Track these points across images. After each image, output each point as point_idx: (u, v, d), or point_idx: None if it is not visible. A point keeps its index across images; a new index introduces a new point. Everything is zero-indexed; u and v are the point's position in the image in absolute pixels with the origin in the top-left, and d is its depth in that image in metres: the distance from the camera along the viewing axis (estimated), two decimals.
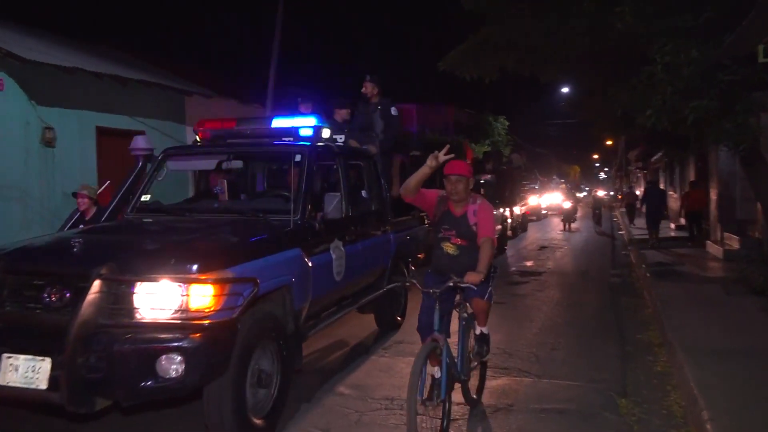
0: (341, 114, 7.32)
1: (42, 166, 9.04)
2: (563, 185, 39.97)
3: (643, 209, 16.67)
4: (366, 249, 5.58)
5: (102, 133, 10.09)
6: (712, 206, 13.76)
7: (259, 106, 13.11)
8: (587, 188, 35.28)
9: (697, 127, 8.06)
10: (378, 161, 6.32)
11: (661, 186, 21.01)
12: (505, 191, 16.09)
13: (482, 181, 14.08)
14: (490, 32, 10.05)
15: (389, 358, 5.60)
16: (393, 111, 7.25)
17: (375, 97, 7.36)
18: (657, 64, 7.76)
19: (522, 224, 19.94)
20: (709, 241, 12.86)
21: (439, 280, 3.86)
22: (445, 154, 3.71)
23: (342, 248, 4.97)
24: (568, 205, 22.04)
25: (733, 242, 11.48)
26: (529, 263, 12.51)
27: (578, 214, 23.41)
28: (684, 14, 7.65)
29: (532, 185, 27.14)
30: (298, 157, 4.86)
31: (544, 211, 27.33)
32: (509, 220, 15.94)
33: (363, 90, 7.45)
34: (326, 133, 5.28)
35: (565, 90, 21.62)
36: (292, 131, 5.28)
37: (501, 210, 14.29)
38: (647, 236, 14.74)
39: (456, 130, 23.58)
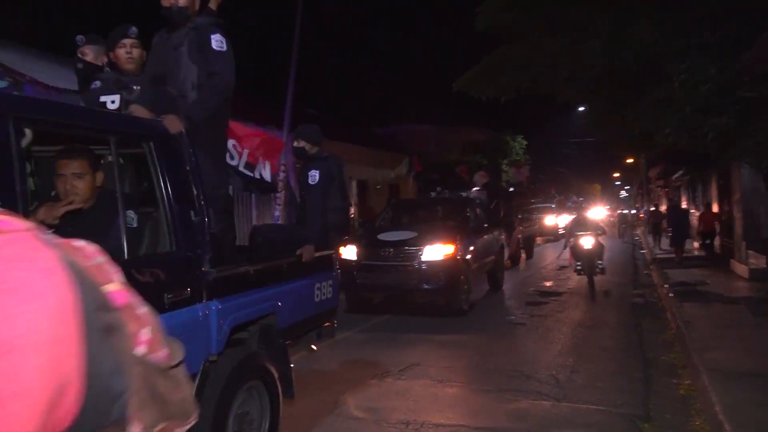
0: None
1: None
2: (580, 204, 39.57)
3: (667, 228, 16.95)
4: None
5: None
6: (737, 225, 13.51)
7: (275, 128, 13.21)
8: (580, 199, 35.02)
9: (717, 144, 7.97)
10: (186, 147, 3.10)
11: (683, 204, 20.80)
12: (499, 211, 13.70)
13: (464, 195, 12.27)
14: (505, 52, 10.09)
15: (405, 381, 5.55)
16: (217, 43, 3.47)
17: (186, 13, 3.52)
18: (674, 81, 7.72)
19: (527, 249, 17.44)
20: (733, 260, 12.60)
21: None
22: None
23: None
24: (588, 243, 10.66)
25: (759, 261, 11.23)
26: (548, 283, 12.36)
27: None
28: (701, 32, 7.62)
29: (548, 204, 26.77)
30: None
31: (561, 231, 26.79)
32: (505, 247, 12.00)
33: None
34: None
35: (582, 108, 21.56)
36: None
37: (494, 233, 11.04)
38: (670, 255, 14.58)
39: (473, 150, 23.60)
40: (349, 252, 8.85)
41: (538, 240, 20.51)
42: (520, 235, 16.11)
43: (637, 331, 7.65)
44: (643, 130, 9.90)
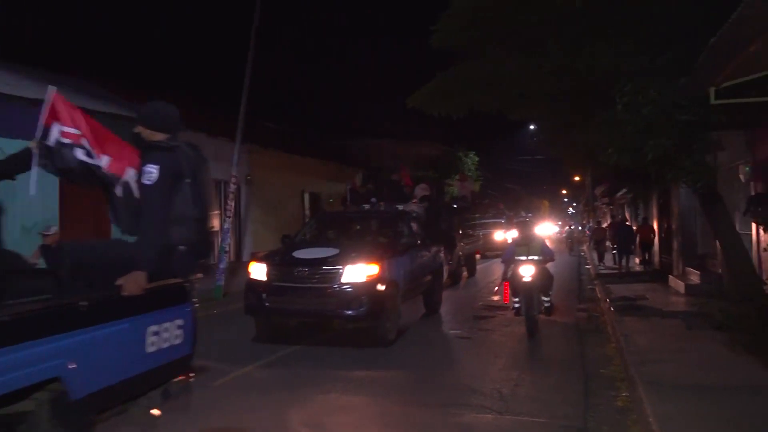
0: None
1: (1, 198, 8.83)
2: (529, 220, 40.58)
3: (608, 244, 17.90)
4: None
5: None
6: (674, 242, 14.09)
7: (228, 140, 13.08)
8: (529, 214, 36.65)
9: (656, 165, 8.31)
10: None
11: (627, 221, 21.61)
12: (439, 226, 12.71)
13: (400, 208, 11.27)
14: (458, 71, 10.28)
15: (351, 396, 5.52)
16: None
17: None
18: (618, 103, 8.02)
19: (469, 266, 16.72)
20: (671, 276, 13.11)
21: None
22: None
23: None
24: (529, 273, 8.25)
25: (694, 277, 11.72)
26: (496, 297, 12.56)
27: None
28: (643, 57, 7.96)
29: (498, 220, 27.20)
30: None
31: None
32: (445, 264, 11.13)
33: None
34: None
35: (533, 127, 22.16)
36: None
37: (432, 250, 10.20)
38: (613, 270, 15.24)
39: (428, 165, 23.89)
40: (258, 271, 7.91)
41: (478, 255, 19.50)
42: (461, 252, 15.12)
43: (580, 345, 7.85)
44: (589, 149, 10.24)
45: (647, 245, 17.43)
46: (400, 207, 11.25)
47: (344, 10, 36.29)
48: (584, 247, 31.40)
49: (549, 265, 8.56)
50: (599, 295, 12.50)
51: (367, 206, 11.16)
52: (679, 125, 7.67)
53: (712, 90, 6.52)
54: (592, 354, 7.28)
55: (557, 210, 71.41)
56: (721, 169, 10.30)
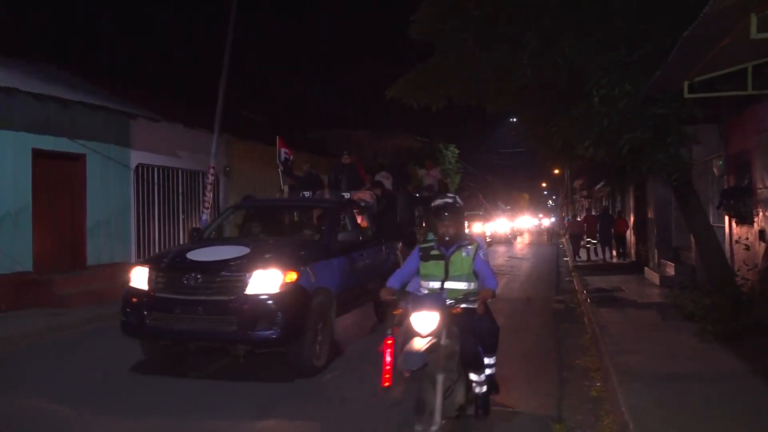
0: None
1: None
2: (507, 212, 41.01)
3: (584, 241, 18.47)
4: None
5: (39, 155, 9.78)
6: (650, 234, 14.28)
7: (206, 131, 12.94)
8: (507, 207, 37.71)
9: (631, 157, 8.39)
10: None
11: (593, 212, 22.08)
12: (394, 219, 10.49)
13: (345, 196, 9.39)
14: (436, 61, 10.27)
15: None
16: None
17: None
18: (594, 96, 8.07)
19: None
20: (647, 268, 13.30)
21: None
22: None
23: None
24: (429, 325, 3.79)
25: (669, 269, 11.91)
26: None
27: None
28: (620, 50, 8.01)
29: (476, 212, 27.30)
30: None
31: (488, 240, 26.84)
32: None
33: None
34: None
35: (513, 120, 22.26)
36: None
37: (384, 247, 8.65)
38: (591, 263, 15.61)
39: (407, 157, 23.87)
40: (139, 278, 6.08)
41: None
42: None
43: (556, 336, 7.94)
44: (566, 142, 10.30)
45: (621, 238, 18.35)
46: (347, 195, 9.41)
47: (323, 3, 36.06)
48: (563, 240, 31.74)
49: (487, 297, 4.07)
50: (576, 287, 12.64)
51: (307, 194, 9.42)
52: (653, 119, 7.75)
53: (685, 84, 6.59)
54: (568, 345, 7.37)
55: (537, 203, 72.02)
56: (695, 162, 10.45)
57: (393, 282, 4.27)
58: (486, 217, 27.77)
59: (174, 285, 5.89)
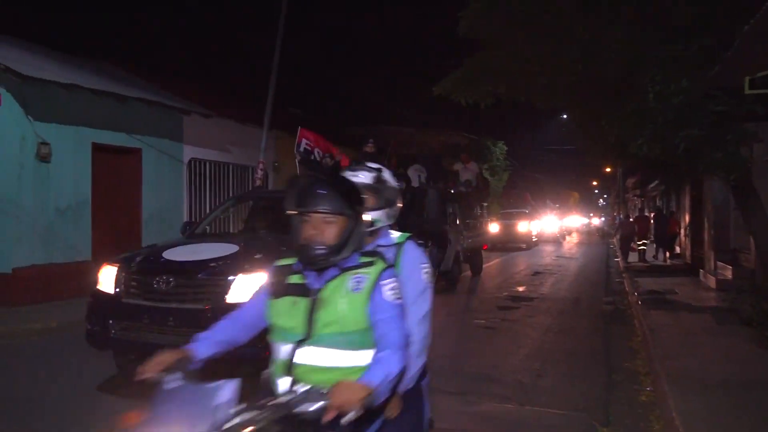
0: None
1: (36, 181, 9.09)
2: (556, 210, 40.17)
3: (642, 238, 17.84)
4: None
5: (98, 149, 10.16)
6: (706, 236, 13.77)
7: (256, 126, 13.17)
8: (556, 205, 36.95)
9: (688, 156, 8.11)
10: None
11: (649, 213, 21.43)
12: (425, 214, 10.35)
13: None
14: (484, 58, 10.16)
15: None
16: None
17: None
18: (648, 92, 7.83)
19: (473, 263, 14.18)
20: (702, 270, 12.84)
21: None
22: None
23: None
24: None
25: (726, 272, 11.45)
26: (521, 288, 12.48)
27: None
28: (675, 44, 7.75)
29: (522, 210, 26.80)
30: None
31: (534, 239, 25.94)
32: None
33: None
34: None
35: (563, 116, 21.82)
36: None
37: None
38: (640, 264, 15.30)
39: (443, 150, 23.73)
40: (106, 279, 5.24)
41: (485, 249, 15.91)
42: (459, 247, 12.43)
43: (605, 338, 7.76)
44: (618, 139, 10.03)
45: (672, 239, 17.88)
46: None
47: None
48: (614, 239, 30.94)
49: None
50: (626, 289, 12.32)
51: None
52: (711, 116, 7.46)
53: (746, 79, 6.33)
54: (617, 347, 7.20)
55: (587, 201, 70.41)
56: (756, 161, 10.01)
57: (211, 335, 2.13)
58: (532, 216, 27.16)
59: (143, 289, 4.98)
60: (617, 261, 19.63)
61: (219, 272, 4.86)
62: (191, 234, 6.52)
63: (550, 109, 14.77)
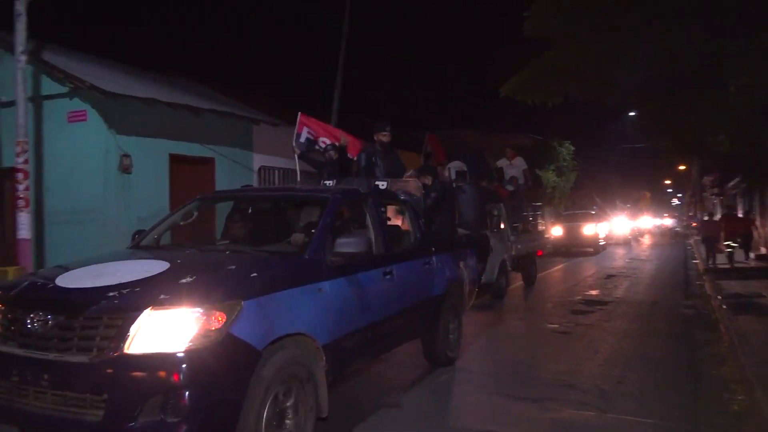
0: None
1: (119, 191, 9.56)
2: (627, 211, 38.56)
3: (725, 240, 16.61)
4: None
5: (174, 160, 10.58)
6: None
7: None
8: (627, 206, 35.66)
9: None
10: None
11: (740, 213, 20.17)
12: (459, 217, 7.94)
13: (382, 186, 6.09)
14: (553, 57, 9.94)
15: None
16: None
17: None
18: (731, 86, 7.47)
19: (526, 273, 12.67)
20: None
21: None
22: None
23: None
24: None
25: None
26: (594, 292, 12.10)
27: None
28: (762, 33, 7.35)
29: (587, 211, 25.54)
30: None
31: (602, 242, 23.96)
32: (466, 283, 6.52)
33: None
34: None
35: (632, 114, 21.05)
36: None
37: (438, 261, 5.85)
38: (727, 265, 14.60)
39: (520, 155, 23.35)
40: None
41: (539, 255, 13.77)
42: (506, 255, 10.83)
43: (688, 343, 7.40)
44: (696, 136, 9.61)
45: (749, 238, 16.97)
46: (381, 184, 6.13)
47: (433, 2, 36.10)
48: (691, 241, 29.57)
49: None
50: (709, 292, 11.73)
51: (329, 182, 6.50)
52: None
53: None
54: (702, 354, 6.84)
55: (660, 201, 67.61)
56: None
57: None
58: (599, 217, 25.62)
59: (17, 331, 3.36)
60: (696, 263, 18.73)
61: (117, 306, 3.21)
62: (136, 246, 4.94)
63: (620, 106, 14.30)
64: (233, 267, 3.83)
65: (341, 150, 8.70)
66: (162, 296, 3.26)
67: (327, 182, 6.62)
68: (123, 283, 3.42)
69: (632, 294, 11.84)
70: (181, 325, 3.15)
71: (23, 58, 8.14)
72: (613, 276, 15.15)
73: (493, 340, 7.73)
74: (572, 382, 5.59)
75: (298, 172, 9.16)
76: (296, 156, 9.11)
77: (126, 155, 9.51)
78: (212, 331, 3.17)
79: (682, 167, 35.57)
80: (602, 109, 12.44)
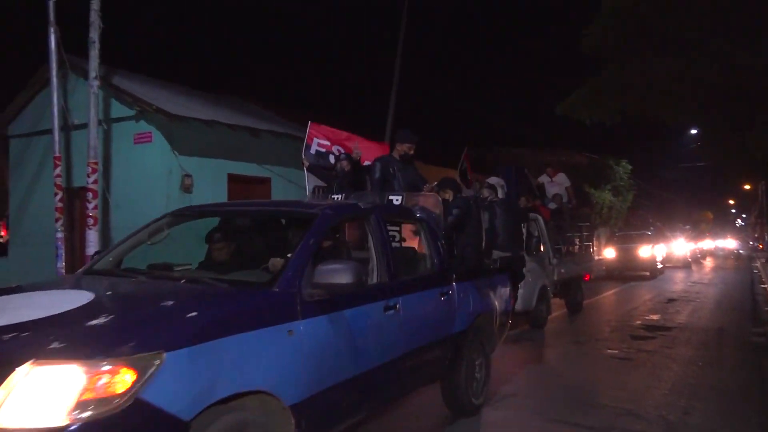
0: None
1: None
2: (687, 232, 36.81)
3: None
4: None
5: (232, 179, 10.89)
6: None
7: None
8: (687, 227, 33.90)
9: None
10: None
11: None
12: (476, 241, 5.83)
13: (396, 201, 5.36)
14: (611, 74, 9.80)
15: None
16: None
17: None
18: None
19: (570, 300, 11.62)
20: None
21: None
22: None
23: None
24: None
25: None
26: (655, 317, 11.68)
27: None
28: None
29: (643, 232, 24.27)
30: None
31: (659, 265, 22.44)
32: (496, 313, 5.55)
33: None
34: None
35: (694, 132, 20.40)
36: None
37: (456, 286, 4.84)
38: None
39: (575, 174, 22.94)
40: None
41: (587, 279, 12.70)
42: (547, 280, 9.92)
43: (759, 374, 7.03)
44: (763, 154, 9.22)
45: None
46: (395, 199, 5.37)
47: (489, 18, 36.13)
48: (757, 264, 28.22)
49: None
50: None
51: (337, 196, 6.01)
52: None
53: None
54: None
55: (723, 222, 64.96)
56: None
57: None
58: (656, 238, 24.25)
59: None
60: (764, 287, 17.84)
61: None
62: (88, 269, 4.21)
63: (681, 123, 13.91)
64: (169, 303, 2.94)
65: (355, 161, 7.85)
66: (54, 344, 2.34)
67: (335, 196, 6.03)
68: (12, 325, 2.52)
69: (696, 319, 11.37)
70: (70, 387, 2.22)
71: (96, 83, 8.58)
72: (675, 300, 14.60)
73: (543, 368, 7.34)
74: (636, 411, 5.39)
75: (308, 187, 8.36)
76: (305, 169, 8.32)
77: (188, 175, 9.85)
78: (115, 395, 2.24)
79: (747, 186, 34.14)
80: (661, 127, 12.10)
